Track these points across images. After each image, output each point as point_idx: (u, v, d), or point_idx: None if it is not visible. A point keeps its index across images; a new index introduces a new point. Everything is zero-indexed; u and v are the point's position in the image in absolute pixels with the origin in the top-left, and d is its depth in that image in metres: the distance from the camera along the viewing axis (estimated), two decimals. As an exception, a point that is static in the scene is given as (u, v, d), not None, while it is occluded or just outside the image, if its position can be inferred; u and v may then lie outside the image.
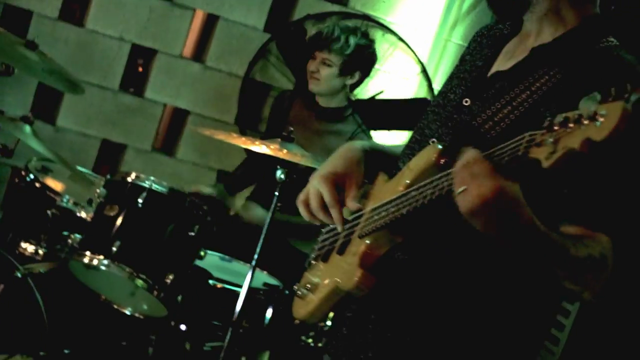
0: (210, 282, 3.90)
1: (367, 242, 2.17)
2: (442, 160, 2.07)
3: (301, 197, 2.38)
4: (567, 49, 2.16)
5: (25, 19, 5.22)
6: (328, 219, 2.34)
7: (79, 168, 4.25)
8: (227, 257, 4.29)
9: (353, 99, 5.00)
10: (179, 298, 3.75)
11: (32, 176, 4.03)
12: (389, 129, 5.32)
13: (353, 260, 2.17)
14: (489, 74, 2.28)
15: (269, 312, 3.88)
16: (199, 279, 3.89)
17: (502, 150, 1.83)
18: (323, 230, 2.49)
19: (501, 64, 2.28)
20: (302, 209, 2.38)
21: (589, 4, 2.22)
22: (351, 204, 2.31)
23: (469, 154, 1.85)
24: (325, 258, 2.36)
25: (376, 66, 5.13)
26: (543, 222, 1.88)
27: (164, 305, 3.60)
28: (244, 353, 4.26)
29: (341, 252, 2.28)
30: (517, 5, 2.21)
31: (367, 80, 4.90)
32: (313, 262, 2.41)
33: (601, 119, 1.58)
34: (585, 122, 1.60)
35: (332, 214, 2.31)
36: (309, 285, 2.31)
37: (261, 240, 3.67)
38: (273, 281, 4.06)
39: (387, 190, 2.25)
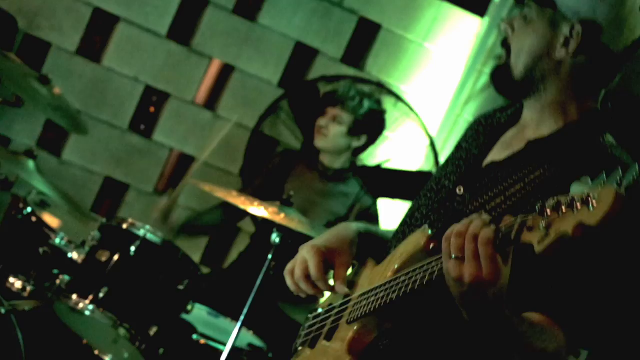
0: (194, 336, 3.87)
1: (355, 328, 2.14)
2: (432, 245, 2.07)
3: (289, 266, 2.35)
4: (564, 144, 2.15)
5: (43, 50, 5.25)
6: (310, 289, 2.30)
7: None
8: (214, 312, 4.26)
9: (358, 164, 5.01)
10: (161, 351, 3.72)
11: (29, 210, 4.01)
12: (391, 197, 5.32)
13: (341, 347, 2.14)
14: (484, 163, 2.27)
15: (250, 374, 3.86)
16: (183, 333, 3.86)
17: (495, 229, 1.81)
18: (309, 315, 2.47)
19: (497, 154, 2.27)
20: (287, 279, 2.35)
21: (591, 99, 2.21)
22: (339, 287, 2.29)
23: (486, 232, 1.79)
24: (312, 344, 2.32)
25: (386, 133, 5.15)
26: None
27: (144, 357, 3.58)
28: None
29: (329, 338, 2.25)
30: (524, 90, 2.22)
31: (375, 146, 4.92)
32: (299, 347, 2.38)
33: (594, 203, 1.56)
34: (578, 206, 1.58)
35: (320, 286, 2.29)
36: None
37: (250, 299, 3.65)
38: (258, 343, 4.03)
39: (376, 276, 2.23)
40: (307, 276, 2.28)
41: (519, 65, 2.19)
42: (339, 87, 4.68)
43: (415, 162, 5.60)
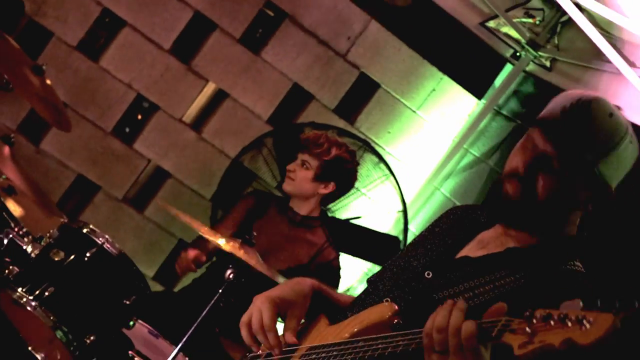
0: (130, 353, 3.84)
1: None
2: (395, 321, 2.11)
3: (244, 318, 2.39)
4: (539, 260, 2.23)
5: (44, 38, 5.25)
6: (265, 341, 2.33)
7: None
8: (155, 332, 4.23)
9: (329, 214, 5.03)
10: (94, 360, 3.69)
11: (-5, 194, 4.00)
12: (353, 255, 5.33)
13: None
14: (457, 255, 2.33)
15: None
16: (119, 347, 3.83)
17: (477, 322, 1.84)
18: (248, 354, 2.48)
19: (472, 250, 2.33)
20: (243, 330, 2.38)
21: (572, 224, 2.30)
22: (289, 336, 2.34)
23: (469, 327, 1.83)
24: None
25: (363, 190, 5.18)
26: None
27: (75, 363, 3.54)
28: None
29: None
30: (533, 222, 2.28)
31: (348, 200, 4.94)
32: None
33: (588, 325, 1.61)
34: (570, 323, 1.63)
35: (269, 337, 2.32)
36: None
37: (193, 327, 3.64)
38: (191, 371, 4.00)
39: (329, 334, 2.27)
40: (263, 328, 2.32)
41: (544, 210, 2.25)
42: (309, 133, 4.73)
43: (385, 224, 5.62)
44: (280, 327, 2.36)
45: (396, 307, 2.15)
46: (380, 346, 2.00)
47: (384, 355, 1.98)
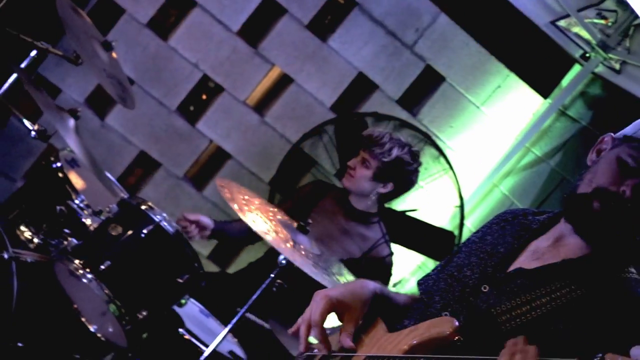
0: (180, 330, 3.89)
1: None
2: (457, 338, 2.12)
3: (305, 315, 2.38)
4: (595, 270, 2.23)
5: (116, 14, 5.32)
6: (304, 334, 2.35)
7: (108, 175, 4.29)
8: (206, 311, 4.29)
9: (385, 205, 5.02)
10: (144, 335, 3.75)
11: (59, 164, 4.07)
12: (407, 247, 5.33)
13: None
14: (511, 267, 2.33)
15: (224, 381, 3.88)
16: (170, 324, 3.89)
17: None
18: (303, 353, 2.50)
19: (526, 261, 2.33)
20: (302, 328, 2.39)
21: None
22: (345, 340, 2.34)
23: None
24: None
25: (421, 183, 5.16)
26: None
27: (127, 337, 3.60)
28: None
29: None
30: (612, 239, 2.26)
31: (408, 193, 4.92)
32: None
33: None
34: None
35: (314, 332, 2.34)
36: None
37: (244, 309, 3.67)
38: (239, 352, 4.05)
39: (388, 342, 2.27)
40: (309, 322, 2.34)
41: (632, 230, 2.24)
42: (374, 131, 4.66)
43: (441, 219, 5.61)
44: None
45: (456, 323, 2.16)
46: None
47: None
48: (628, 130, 2.31)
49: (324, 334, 2.35)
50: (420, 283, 2.58)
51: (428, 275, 2.61)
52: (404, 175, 4.57)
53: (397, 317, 2.45)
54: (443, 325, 2.17)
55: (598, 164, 2.30)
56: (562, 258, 2.27)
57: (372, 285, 2.49)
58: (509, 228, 2.47)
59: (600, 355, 1.72)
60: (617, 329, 2.13)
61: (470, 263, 2.41)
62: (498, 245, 2.42)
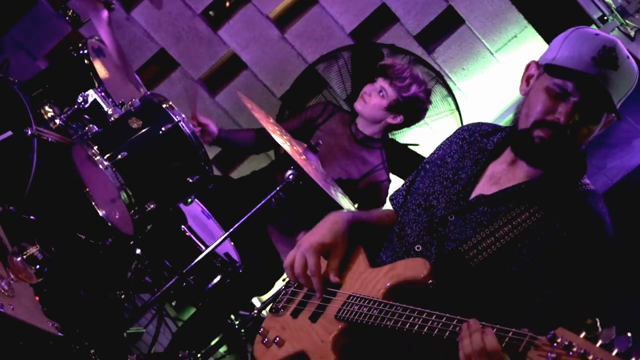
0: (182, 227, 4.04)
1: (341, 327, 2.42)
2: (430, 282, 2.32)
3: (288, 261, 2.63)
4: (550, 189, 2.43)
5: None
6: (308, 284, 2.59)
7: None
8: (208, 212, 4.45)
9: (389, 136, 5.17)
10: (149, 227, 3.90)
11: (85, 52, 4.18)
12: (404, 179, 5.47)
13: (326, 338, 2.41)
14: (472, 195, 2.52)
15: (216, 280, 4.05)
16: (174, 220, 4.05)
17: (503, 332, 2.04)
18: (292, 282, 2.71)
19: (485, 186, 2.53)
20: (288, 272, 2.64)
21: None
22: (332, 276, 2.58)
23: (491, 343, 2.03)
24: (294, 314, 2.59)
25: (426, 120, 5.29)
26: None
27: (133, 225, 3.74)
28: (176, 299, 4.44)
29: (314, 319, 2.51)
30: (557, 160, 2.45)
31: (412, 127, 5.06)
32: (281, 309, 2.63)
33: None
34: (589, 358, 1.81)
35: (313, 282, 2.57)
36: (276, 337, 2.53)
37: (246, 217, 3.82)
38: (234, 256, 4.21)
39: (368, 280, 2.49)
40: (305, 273, 2.58)
41: (575, 153, 2.46)
42: (396, 63, 4.77)
43: (440, 156, 5.73)
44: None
45: (429, 265, 2.34)
46: (417, 322, 2.20)
47: (421, 334, 2.18)
48: (548, 56, 2.47)
49: (322, 282, 2.56)
50: (392, 199, 2.80)
51: (398, 190, 2.82)
52: (415, 112, 4.72)
53: (374, 240, 2.66)
54: (417, 267, 2.36)
55: (529, 96, 2.47)
56: (518, 181, 2.46)
57: (345, 216, 2.70)
58: (467, 149, 2.64)
59: (552, 332, 1.88)
60: (577, 245, 2.32)
61: (435, 191, 2.59)
62: (459, 171, 2.59)
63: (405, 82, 4.64)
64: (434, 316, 2.17)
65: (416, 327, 2.19)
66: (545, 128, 2.38)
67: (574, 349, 1.83)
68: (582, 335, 1.84)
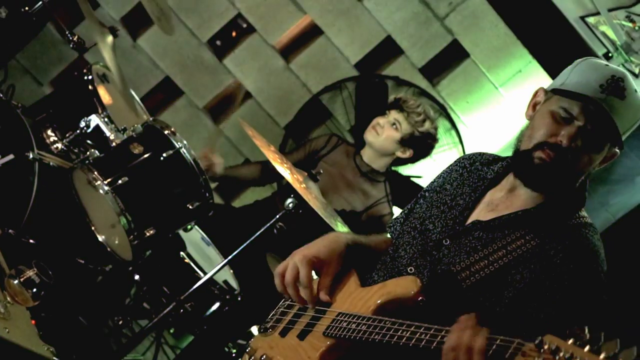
0: (181, 253, 4.05)
1: (329, 343, 2.38)
2: (420, 299, 2.30)
3: (279, 268, 2.59)
4: (548, 218, 2.42)
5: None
6: (295, 296, 2.55)
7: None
8: (208, 239, 4.45)
9: (392, 167, 5.16)
10: (148, 252, 3.91)
11: (90, 77, 4.20)
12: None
13: (313, 355, 2.37)
14: (469, 220, 2.51)
15: (214, 307, 4.04)
16: (172, 246, 4.05)
17: (491, 339, 1.99)
18: (283, 302, 2.68)
19: (482, 212, 2.52)
20: (277, 280, 2.59)
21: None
22: (323, 295, 2.54)
23: (479, 342, 1.99)
24: (283, 333, 2.55)
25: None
26: None
27: (132, 251, 3.74)
28: (174, 327, 4.43)
29: (301, 337, 2.48)
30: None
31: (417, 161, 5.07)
32: (269, 329, 2.60)
33: None
34: None
35: (304, 293, 2.53)
36: (263, 355, 2.50)
37: (245, 245, 3.81)
38: (233, 283, 4.21)
39: (358, 299, 2.46)
40: (295, 282, 2.53)
41: (576, 179, 2.46)
42: (409, 98, 4.79)
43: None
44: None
45: (420, 283, 2.32)
46: (405, 334, 2.16)
47: (408, 346, 2.14)
48: (556, 82, 2.48)
49: (313, 293, 2.52)
50: (390, 226, 2.77)
51: (396, 218, 2.80)
52: (426, 147, 4.75)
53: (370, 264, 2.62)
54: (408, 285, 2.33)
55: (534, 119, 2.47)
56: (515, 209, 2.45)
57: (344, 237, 2.67)
58: (467, 176, 2.64)
59: (540, 338, 1.85)
60: (570, 275, 2.30)
61: (431, 215, 2.58)
62: (457, 197, 2.59)
63: (420, 117, 4.68)
64: (423, 328, 2.14)
65: (404, 340, 2.16)
66: (546, 149, 2.38)
67: (561, 354, 1.81)
68: (570, 342, 1.82)
